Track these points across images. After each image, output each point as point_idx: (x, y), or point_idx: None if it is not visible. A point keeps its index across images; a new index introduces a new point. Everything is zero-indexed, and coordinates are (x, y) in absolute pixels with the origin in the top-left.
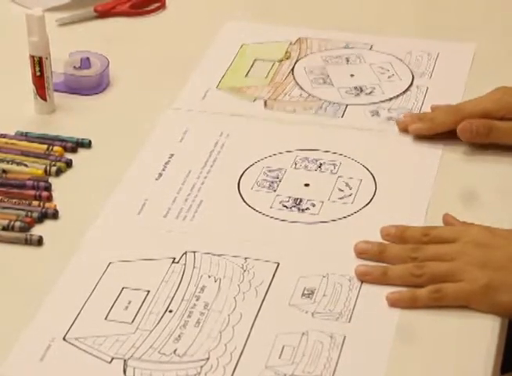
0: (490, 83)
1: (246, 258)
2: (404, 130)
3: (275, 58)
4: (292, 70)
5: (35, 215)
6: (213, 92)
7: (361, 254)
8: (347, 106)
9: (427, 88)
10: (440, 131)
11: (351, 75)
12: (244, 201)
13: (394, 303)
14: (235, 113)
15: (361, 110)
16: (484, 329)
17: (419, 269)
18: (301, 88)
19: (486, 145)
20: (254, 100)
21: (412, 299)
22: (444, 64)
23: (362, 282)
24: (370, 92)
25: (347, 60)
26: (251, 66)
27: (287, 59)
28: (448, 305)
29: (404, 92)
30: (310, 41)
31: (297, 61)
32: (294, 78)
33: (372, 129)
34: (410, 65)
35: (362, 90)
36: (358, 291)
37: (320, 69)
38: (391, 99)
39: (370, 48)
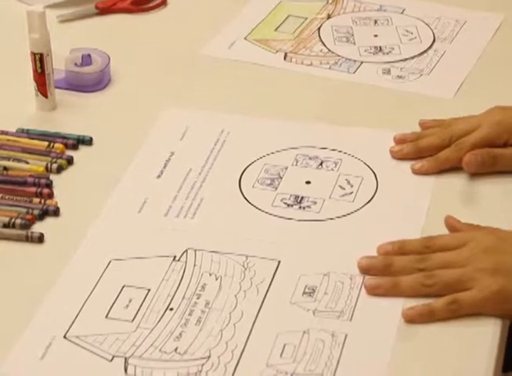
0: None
1: (247, 256)
2: (400, 158)
3: (307, 15)
4: (319, 27)
5: (36, 212)
6: (240, 42)
7: (366, 270)
8: (361, 63)
9: (444, 52)
10: (445, 168)
11: (375, 35)
12: (245, 199)
13: (411, 319)
14: (254, 63)
15: (374, 67)
16: (486, 327)
17: (429, 278)
18: (323, 44)
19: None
20: (276, 52)
21: (430, 313)
22: (468, 32)
23: (363, 281)
24: (388, 52)
25: (376, 22)
26: (283, 21)
27: (319, 17)
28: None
29: (420, 53)
30: (346, 1)
31: (327, 19)
32: (319, 35)
33: (379, 86)
34: (435, 30)
35: (380, 49)
36: (360, 290)
37: (346, 28)
38: (405, 59)
39: (402, 12)
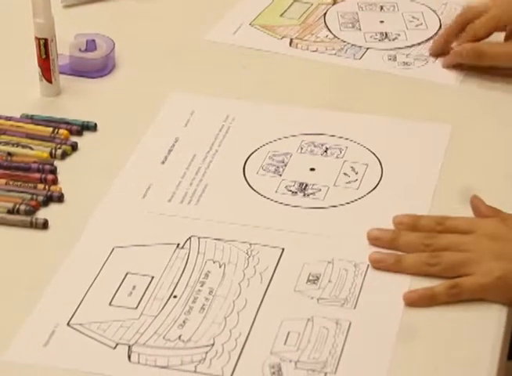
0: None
1: (251, 244)
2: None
3: (313, 1)
4: (325, 13)
5: (40, 198)
6: (245, 28)
7: (374, 240)
8: (367, 49)
9: None
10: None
11: (381, 21)
12: (249, 186)
13: (412, 303)
14: (259, 49)
15: (380, 54)
16: (492, 315)
17: (433, 258)
18: (329, 30)
19: (495, 127)
20: (282, 38)
21: (431, 297)
22: None
23: (367, 268)
24: (394, 39)
25: (382, 8)
26: (289, 7)
27: (325, 2)
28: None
29: (427, 40)
30: None
31: (333, 5)
32: (325, 21)
33: (384, 72)
34: (442, 16)
35: (386, 36)
36: (364, 277)
37: (352, 14)
38: (412, 45)
39: None
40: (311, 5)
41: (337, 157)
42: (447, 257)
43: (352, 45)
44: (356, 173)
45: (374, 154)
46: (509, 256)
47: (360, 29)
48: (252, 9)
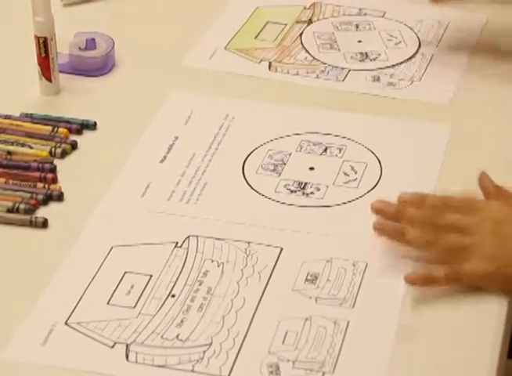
0: (495, 54)
1: (249, 243)
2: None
3: (286, 21)
4: (301, 34)
5: (40, 197)
6: (221, 52)
7: (377, 211)
8: (349, 70)
9: (432, 56)
10: None
11: (359, 41)
12: (249, 185)
13: (413, 281)
14: (239, 74)
15: (363, 75)
16: (491, 314)
17: (435, 236)
18: (307, 52)
19: (495, 126)
20: (260, 62)
21: (430, 279)
22: (452, 33)
23: (366, 268)
24: (375, 58)
25: (357, 27)
26: (262, 28)
27: (299, 23)
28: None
29: (408, 59)
30: (324, 6)
31: (307, 26)
32: (302, 42)
33: (370, 94)
34: (419, 33)
35: (367, 56)
36: (362, 276)
37: (329, 34)
38: (394, 65)
39: (383, 16)
40: (285, 25)
41: (336, 156)
42: (448, 239)
43: (333, 66)
44: (355, 172)
45: (374, 154)
46: (509, 245)
47: (339, 50)
48: (225, 33)
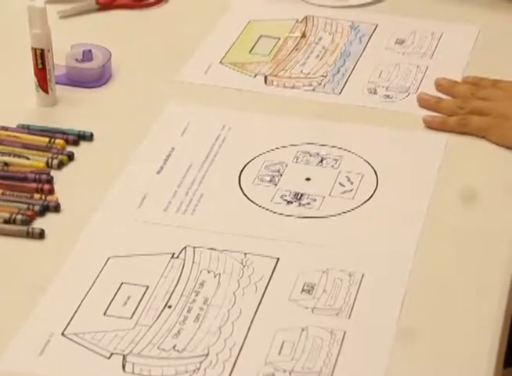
0: (490, 65)
1: (245, 254)
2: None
3: (280, 35)
4: (295, 47)
5: (37, 208)
6: (216, 67)
7: (421, 101)
8: (345, 83)
9: (427, 68)
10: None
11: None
12: (245, 195)
13: (428, 123)
14: (235, 88)
15: (359, 87)
16: (490, 315)
17: (463, 120)
18: (302, 65)
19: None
20: (255, 76)
21: (443, 122)
22: (446, 45)
23: (362, 278)
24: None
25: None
26: (256, 42)
27: (292, 36)
28: (470, 134)
29: (403, 71)
30: (316, 19)
31: (301, 39)
32: (296, 55)
33: (368, 107)
34: (413, 45)
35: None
36: (359, 287)
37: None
38: (389, 77)
39: (375, 28)
40: (279, 39)
41: (332, 167)
42: (474, 121)
43: (328, 79)
44: (352, 183)
45: (370, 164)
46: None
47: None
48: (219, 47)
